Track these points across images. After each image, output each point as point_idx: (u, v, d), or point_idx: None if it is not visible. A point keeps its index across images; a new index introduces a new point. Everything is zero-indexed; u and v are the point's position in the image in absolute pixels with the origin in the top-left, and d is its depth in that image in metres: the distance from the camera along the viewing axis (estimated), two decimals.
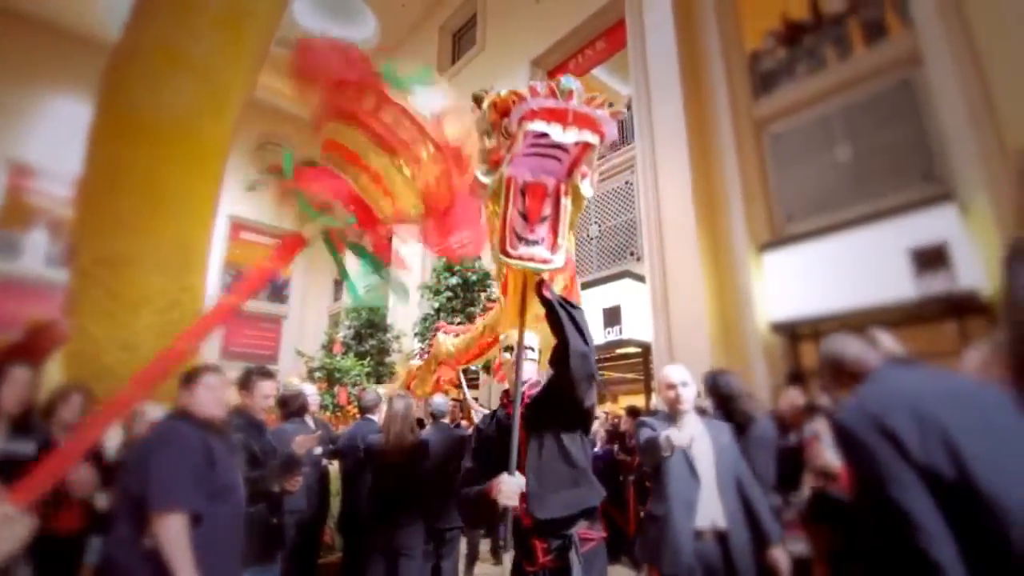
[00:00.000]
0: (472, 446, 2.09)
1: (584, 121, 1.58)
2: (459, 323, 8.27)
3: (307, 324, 16.49)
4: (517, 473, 1.70)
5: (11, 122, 12.59)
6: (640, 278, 7.27)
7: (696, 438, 2.38)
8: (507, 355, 2.10)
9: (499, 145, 1.72)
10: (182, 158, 3.14)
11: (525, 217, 1.78)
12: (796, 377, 5.31)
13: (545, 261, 1.71)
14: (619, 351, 7.88)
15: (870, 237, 5.57)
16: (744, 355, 6.12)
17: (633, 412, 5.84)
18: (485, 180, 1.76)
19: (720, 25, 7.22)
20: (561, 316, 1.75)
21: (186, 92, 3.08)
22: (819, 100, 6.42)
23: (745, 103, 6.96)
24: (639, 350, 7.51)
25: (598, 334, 7.15)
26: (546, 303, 1.80)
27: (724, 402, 3.03)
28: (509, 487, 1.66)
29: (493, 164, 1.75)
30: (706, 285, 6.37)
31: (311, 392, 3.72)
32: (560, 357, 1.77)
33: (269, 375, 2.58)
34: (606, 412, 7.38)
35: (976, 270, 4.82)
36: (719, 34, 7.17)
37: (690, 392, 2.52)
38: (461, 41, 12.80)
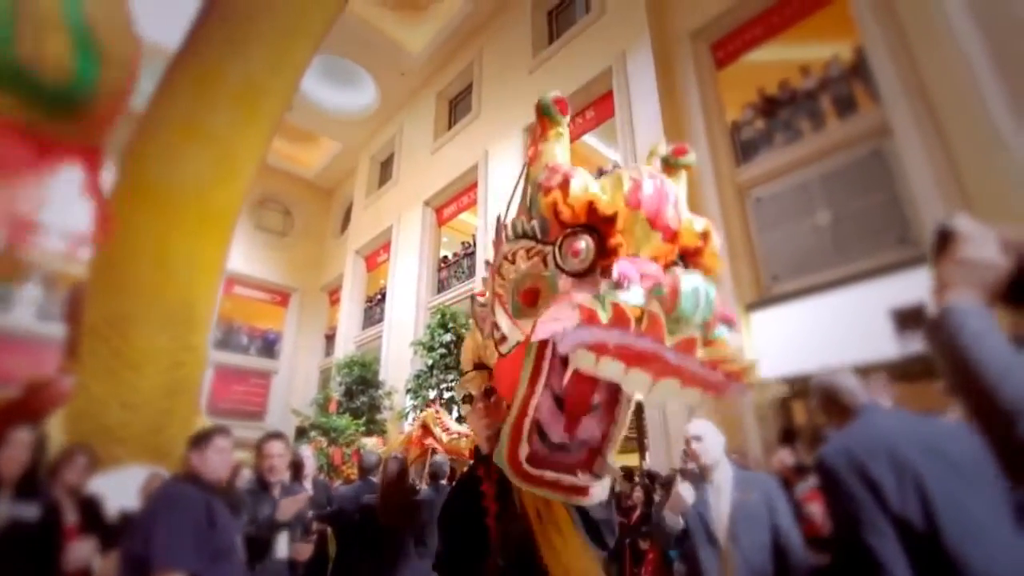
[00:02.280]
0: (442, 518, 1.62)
1: (690, 374, 0.96)
2: (452, 380, 8.26)
3: (297, 380, 16.30)
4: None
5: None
6: None
7: (716, 496, 2.22)
8: (467, 407, 1.64)
9: (541, 261, 1.15)
10: (192, 223, 3.27)
11: (560, 403, 1.17)
12: (787, 435, 5.36)
13: (578, 492, 1.09)
14: None
15: (853, 297, 5.77)
16: (735, 410, 6.17)
17: (627, 473, 5.80)
18: (503, 323, 1.20)
19: (702, 97, 7.69)
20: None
21: (200, 161, 3.24)
22: (797, 168, 6.78)
23: (728, 169, 7.32)
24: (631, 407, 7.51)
25: None
26: None
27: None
28: None
29: (527, 297, 1.17)
30: None
31: (308, 454, 3.71)
32: None
33: (278, 436, 2.62)
34: None
35: None
36: (701, 105, 7.62)
37: (708, 445, 2.36)
38: (457, 108, 13.42)
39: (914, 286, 5.34)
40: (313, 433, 8.66)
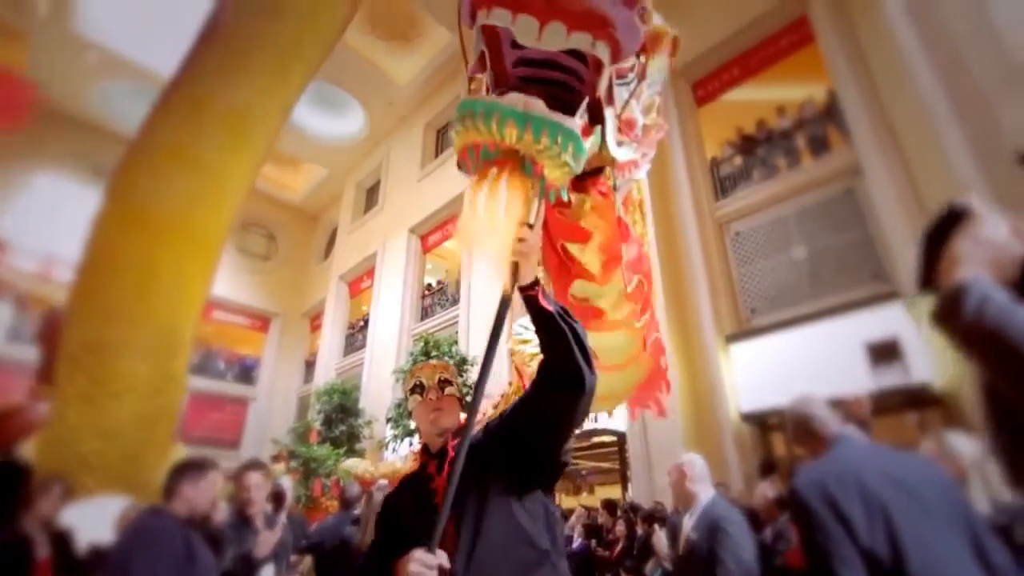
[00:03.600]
0: (378, 512, 1.56)
1: (575, 13, 0.93)
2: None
3: (275, 407, 15.96)
4: (439, 551, 1.14)
5: None
6: None
7: (687, 532, 2.34)
8: (417, 397, 1.51)
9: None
10: (178, 248, 3.25)
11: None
12: (768, 468, 5.40)
13: (570, 123, 1.01)
14: (594, 439, 7.86)
15: (829, 330, 5.91)
16: (717, 444, 6.20)
17: (610, 506, 5.77)
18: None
19: (683, 133, 7.93)
20: (563, 330, 1.17)
21: (188, 187, 3.25)
22: (774, 204, 6.99)
23: (708, 204, 7.52)
24: (615, 439, 7.52)
25: None
26: (535, 308, 1.18)
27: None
28: (421, 569, 1.08)
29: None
30: (678, 374, 6.55)
31: (286, 485, 3.64)
32: (553, 385, 1.23)
33: (258, 466, 2.57)
34: (583, 506, 7.24)
35: (927, 364, 5.13)
36: (682, 141, 7.86)
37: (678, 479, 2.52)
38: (444, 137, 13.62)
39: (887, 321, 5.51)
40: (293, 463, 8.45)
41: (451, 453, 1.39)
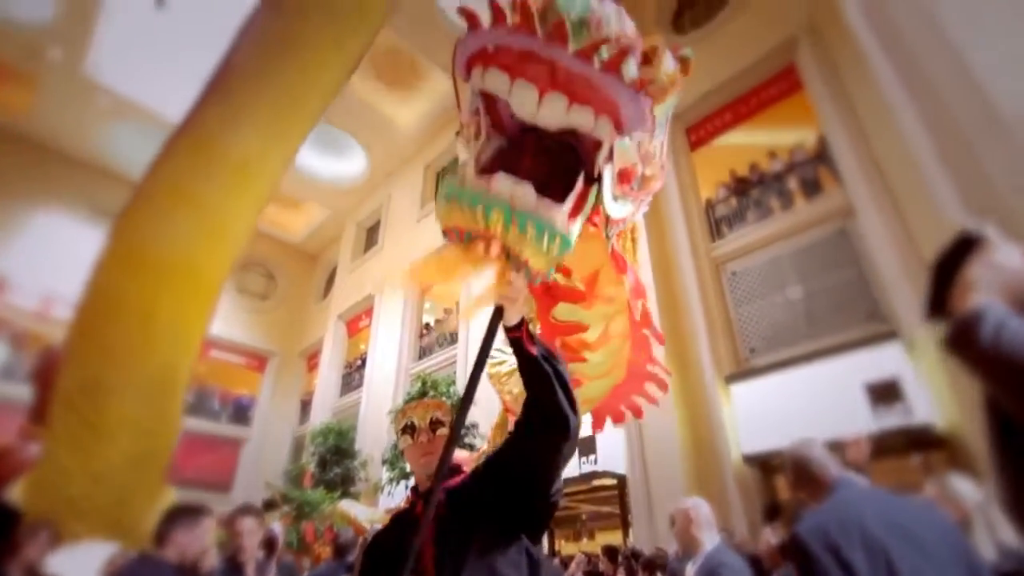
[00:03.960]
0: (365, 548, 1.51)
1: (578, 87, 0.90)
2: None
3: (269, 448, 15.65)
4: None
5: None
6: None
7: None
8: (408, 439, 1.47)
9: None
10: (179, 291, 3.27)
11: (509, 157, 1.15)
12: (772, 512, 5.28)
13: (555, 218, 0.99)
14: (595, 483, 7.70)
15: (828, 371, 5.88)
16: (719, 487, 6.08)
17: (611, 552, 5.61)
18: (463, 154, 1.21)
19: (678, 176, 8.09)
20: (547, 373, 1.17)
21: (191, 230, 3.30)
22: (768, 244, 7.08)
23: (704, 244, 7.61)
24: (615, 482, 7.36)
25: (572, 465, 7.05)
26: (520, 350, 1.17)
27: None
28: None
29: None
30: (678, 415, 6.48)
31: (278, 531, 3.55)
32: (536, 427, 1.20)
33: (251, 511, 2.52)
34: (584, 552, 7.03)
35: (928, 405, 5.08)
36: (678, 184, 8.01)
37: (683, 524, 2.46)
38: (443, 180, 13.87)
39: (886, 361, 5.49)
40: (286, 508, 8.22)
41: (441, 495, 1.33)
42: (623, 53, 0.88)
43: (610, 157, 1.11)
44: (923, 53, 2.72)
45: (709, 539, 2.40)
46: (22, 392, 8.12)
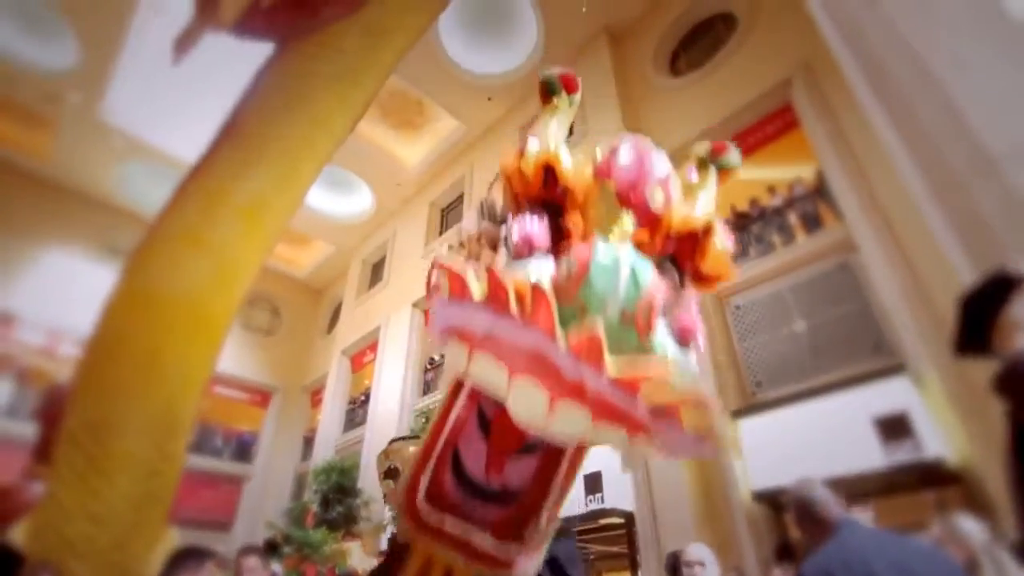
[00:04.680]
0: None
1: (610, 409, 0.67)
2: None
3: (271, 485, 15.44)
4: None
5: (0, 269, 12.78)
6: None
7: None
8: (391, 484, 1.28)
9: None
10: (186, 330, 3.31)
11: (487, 429, 0.91)
12: (783, 552, 5.15)
13: (494, 563, 0.79)
14: (602, 521, 7.54)
15: (836, 405, 5.82)
16: (729, 524, 5.95)
17: None
18: None
19: None
20: None
21: (199, 271, 3.35)
22: (771, 278, 7.11)
23: None
24: (622, 520, 7.21)
25: (579, 502, 6.92)
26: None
27: None
28: None
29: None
30: None
31: (278, 572, 3.50)
32: None
33: (254, 550, 2.50)
34: None
35: (939, 439, 5.01)
36: None
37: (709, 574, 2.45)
38: (448, 216, 14.10)
39: (894, 395, 5.43)
40: (287, 549, 8.06)
41: None
42: (687, 402, 0.67)
43: None
44: (911, 92, 2.81)
45: None
46: (25, 430, 8.13)
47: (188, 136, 12.34)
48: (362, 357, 14.85)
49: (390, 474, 1.42)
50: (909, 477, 5.19)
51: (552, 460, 0.81)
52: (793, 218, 7.34)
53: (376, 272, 16.02)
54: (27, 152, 13.29)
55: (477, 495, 0.80)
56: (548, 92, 1.06)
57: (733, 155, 1.04)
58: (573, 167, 0.86)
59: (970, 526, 1.82)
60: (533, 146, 0.89)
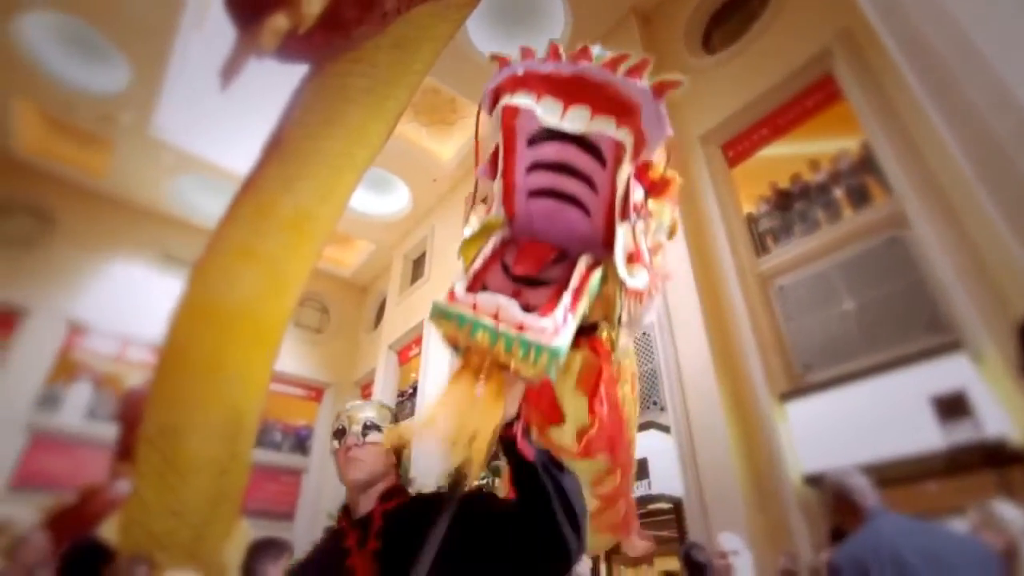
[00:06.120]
0: None
1: (601, 98, 0.89)
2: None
3: (327, 478, 16.09)
4: None
5: (72, 282, 13.69)
6: (666, 428, 7.24)
7: None
8: (335, 443, 1.35)
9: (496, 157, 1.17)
10: (245, 338, 3.53)
11: (510, 274, 1.12)
12: (838, 535, 5.07)
13: (540, 334, 0.90)
14: (650, 507, 7.56)
15: (891, 385, 5.64)
16: (781, 509, 5.89)
17: None
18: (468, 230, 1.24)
19: (717, 195, 8.02)
20: (544, 487, 0.96)
21: (254, 281, 3.56)
22: (817, 257, 6.90)
23: (748, 260, 7.48)
24: (670, 506, 7.22)
25: None
26: (512, 453, 0.99)
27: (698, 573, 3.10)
28: None
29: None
30: (731, 435, 6.34)
31: None
32: (529, 554, 0.99)
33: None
34: None
35: (1000, 417, 4.81)
36: (718, 202, 7.94)
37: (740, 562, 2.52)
38: (419, 268, 14.66)
39: (951, 373, 5.23)
40: None
41: (377, 522, 1.17)
42: (644, 64, 0.87)
43: (624, 211, 1.03)
44: (955, 66, 2.70)
45: None
46: (104, 431, 8.80)
47: (233, 147, 12.87)
48: (408, 351, 15.22)
49: (337, 434, 1.50)
50: (970, 457, 5.01)
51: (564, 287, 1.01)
52: (839, 193, 7.08)
53: (417, 268, 16.34)
54: (87, 171, 14.18)
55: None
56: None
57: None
58: None
59: (1009, 512, 1.78)
60: None
